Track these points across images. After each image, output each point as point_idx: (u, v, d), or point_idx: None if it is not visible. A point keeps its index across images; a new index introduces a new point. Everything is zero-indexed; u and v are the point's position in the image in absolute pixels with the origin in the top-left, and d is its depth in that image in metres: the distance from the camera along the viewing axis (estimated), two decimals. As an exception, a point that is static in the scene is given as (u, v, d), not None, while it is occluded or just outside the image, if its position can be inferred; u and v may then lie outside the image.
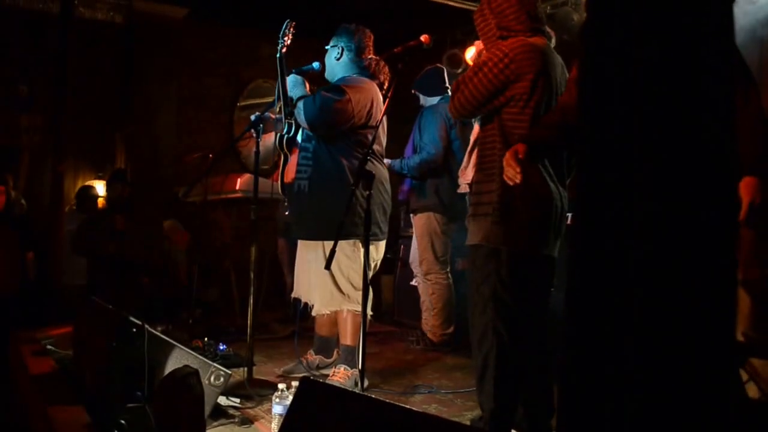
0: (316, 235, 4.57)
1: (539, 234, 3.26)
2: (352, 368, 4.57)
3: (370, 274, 4.01)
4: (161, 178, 8.33)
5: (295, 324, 6.21)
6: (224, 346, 5.03)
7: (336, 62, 4.75)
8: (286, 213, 4.89)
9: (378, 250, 4.74)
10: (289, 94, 4.62)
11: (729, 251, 1.58)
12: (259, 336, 5.41)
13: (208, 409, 3.58)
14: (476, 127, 3.57)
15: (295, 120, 4.64)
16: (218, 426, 3.73)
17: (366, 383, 4.04)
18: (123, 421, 3.39)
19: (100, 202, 8.18)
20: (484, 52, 3.44)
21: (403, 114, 6.53)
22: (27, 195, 7.49)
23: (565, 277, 1.67)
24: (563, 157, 3.41)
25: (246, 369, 4.46)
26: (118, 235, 7.01)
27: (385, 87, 4.69)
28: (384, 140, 4.82)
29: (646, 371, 1.51)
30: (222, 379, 3.69)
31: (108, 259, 6.87)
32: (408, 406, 2.44)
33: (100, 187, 8.14)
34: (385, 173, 4.78)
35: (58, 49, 7.07)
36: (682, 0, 1.54)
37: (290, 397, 3.44)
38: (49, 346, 4.93)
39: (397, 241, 7.50)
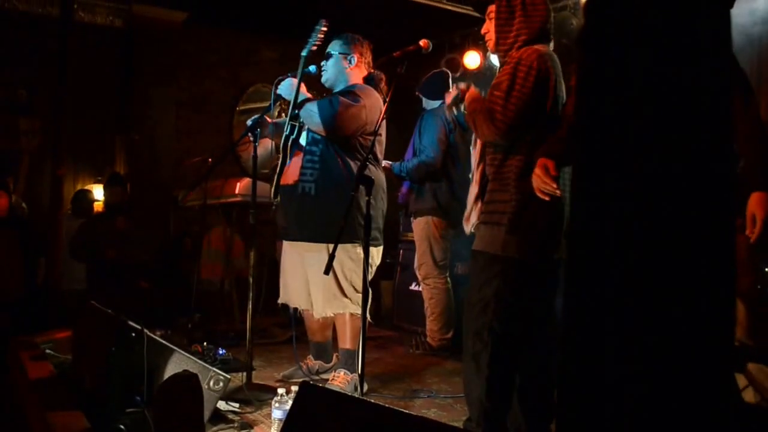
0: (323, 237, 4.50)
1: (551, 241, 3.29)
2: (351, 372, 4.56)
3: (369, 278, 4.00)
4: (160, 182, 8.34)
5: (293, 329, 6.22)
6: (223, 351, 5.02)
7: (346, 69, 4.75)
8: (276, 215, 4.89)
9: (378, 255, 4.73)
10: (289, 96, 4.60)
11: (727, 257, 1.58)
12: (258, 340, 5.41)
13: (207, 414, 3.58)
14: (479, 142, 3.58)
15: (300, 122, 4.64)
16: (218, 431, 3.73)
17: (365, 388, 4.03)
18: (122, 426, 3.39)
19: (97, 206, 8.18)
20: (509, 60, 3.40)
21: (402, 118, 6.54)
22: (26, 198, 7.48)
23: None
24: None
25: (245, 374, 4.45)
26: (117, 238, 7.02)
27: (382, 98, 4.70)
28: (383, 145, 4.82)
29: (645, 374, 1.51)
30: (221, 384, 3.69)
31: (107, 264, 6.87)
32: (407, 411, 2.44)
33: (98, 191, 8.14)
34: (384, 179, 4.78)
35: (57, 52, 7.07)
36: (679, 6, 1.54)
37: (290, 402, 3.44)
38: (48, 351, 4.92)
39: (397, 246, 7.50)
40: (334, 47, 4.80)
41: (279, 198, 4.69)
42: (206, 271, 7.12)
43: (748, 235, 2.89)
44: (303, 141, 4.68)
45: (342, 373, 4.60)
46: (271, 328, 6.66)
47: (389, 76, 4.76)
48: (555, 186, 3.02)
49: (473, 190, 3.57)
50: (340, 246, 4.39)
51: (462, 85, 3.60)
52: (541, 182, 3.05)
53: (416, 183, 6.09)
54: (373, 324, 5.62)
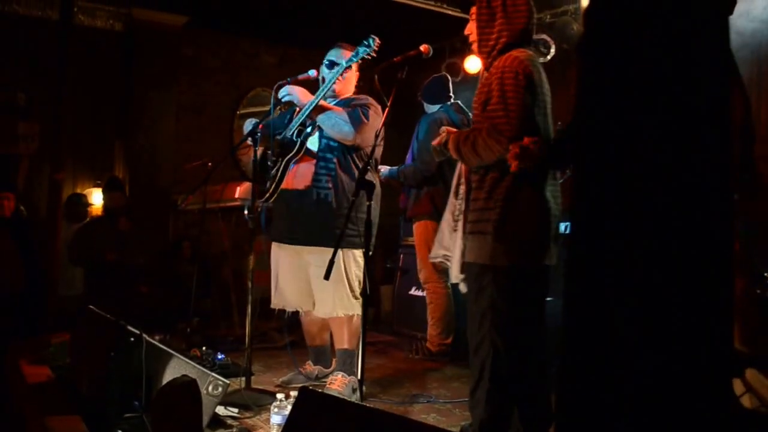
0: (342, 243, 4.53)
1: (539, 247, 3.27)
2: (349, 375, 4.58)
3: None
4: (160, 186, 8.34)
5: (293, 333, 6.21)
6: (222, 356, 5.02)
7: (346, 78, 4.79)
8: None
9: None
10: (300, 102, 4.61)
11: (726, 260, 1.58)
12: (257, 345, 5.39)
13: (206, 419, 3.57)
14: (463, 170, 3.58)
15: (311, 128, 4.65)
16: (216, 436, 3.72)
17: (364, 392, 4.02)
18: (120, 431, 3.38)
19: (95, 210, 8.17)
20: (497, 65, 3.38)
21: (403, 123, 6.54)
22: (24, 203, 7.47)
23: (561, 283, 1.66)
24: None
25: (244, 379, 4.44)
26: (116, 242, 7.01)
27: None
28: (380, 151, 4.83)
29: (644, 377, 1.51)
30: (220, 389, 3.68)
31: (106, 268, 6.87)
32: (406, 416, 2.44)
33: (97, 195, 8.13)
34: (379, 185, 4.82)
35: (57, 56, 7.07)
36: (679, 15, 1.54)
37: (289, 407, 3.44)
38: (46, 356, 4.91)
39: (397, 250, 7.49)
40: (328, 56, 4.82)
41: (269, 202, 4.74)
42: (259, 278, 7.16)
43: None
44: (313, 147, 4.68)
45: (340, 376, 4.60)
46: (271, 333, 6.64)
47: (390, 81, 4.77)
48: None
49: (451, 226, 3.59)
50: (348, 250, 4.53)
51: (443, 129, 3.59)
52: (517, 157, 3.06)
53: (413, 187, 6.09)
54: (370, 327, 5.59)
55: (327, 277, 3.41)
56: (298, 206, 4.63)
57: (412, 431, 2.31)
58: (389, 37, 4.61)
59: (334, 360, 4.98)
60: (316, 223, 4.58)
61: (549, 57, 7.54)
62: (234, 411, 4.05)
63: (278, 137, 4.72)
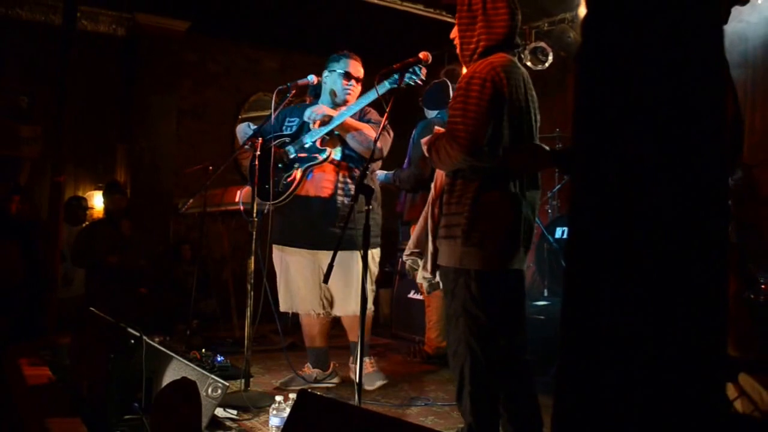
0: (360, 246, 4.63)
1: (508, 252, 3.25)
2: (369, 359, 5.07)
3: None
4: (161, 190, 8.36)
5: (292, 335, 6.25)
6: (222, 358, 5.05)
7: (349, 89, 4.88)
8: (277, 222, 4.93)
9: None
10: (323, 116, 4.68)
11: (722, 265, 1.61)
12: (256, 347, 5.42)
13: (205, 421, 3.59)
14: (439, 174, 3.58)
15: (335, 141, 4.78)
16: (215, 438, 3.75)
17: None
18: (120, 433, 3.41)
19: (97, 213, 8.20)
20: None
21: (401, 129, 6.57)
22: (28, 205, 7.50)
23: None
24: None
25: (243, 381, 4.47)
26: (118, 244, 7.04)
27: None
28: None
29: (639, 381, 1.54)
30: (219, 391, 3.70)
31: (107, 270, 6.89)
32: (404, 419, 2.46)
33: (98, 198, 8.16)
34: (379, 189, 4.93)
35: (60, 60, 7.09)
36: (675, 24, 1.57)
37: (287, 410, 3.46)
38: (46, 357, 4.94)
39: (396, 254, 7.51)
40: (340, 66, 4.88)
41: (275, 206, 4.81)
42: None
43: None
44: (336, 156, 4.75)
45: (367, 360, 5.00)
46: (270, 335, 6.67)
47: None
48: None
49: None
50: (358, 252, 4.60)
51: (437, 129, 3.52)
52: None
53: (408, 192, 6.12)
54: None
55: (326, 280, 3.44)
56: (320, 212, 4.72)
57: (409, 433, 2.33)
58: (388, 44, 4.65)
59: (332, 363, 5.03)
60: (335, 229, 4.68)
61: (547, 64, 7.60)
62: (233, 413, 4.07)
63: (302, 144, 4.77)
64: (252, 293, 4.54)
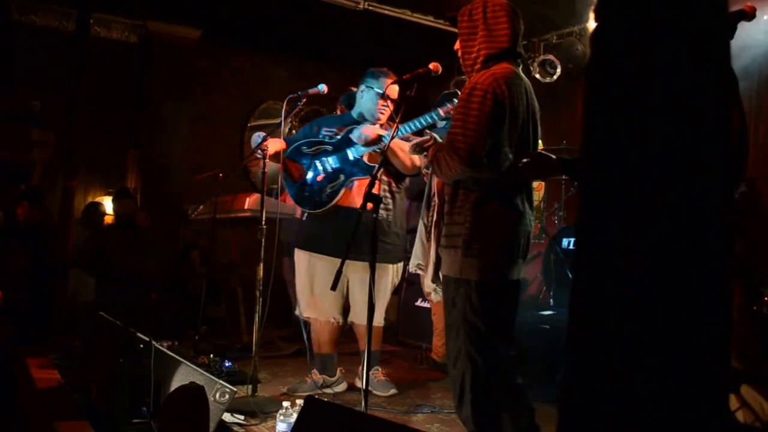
0: (394, 259, 4.98)
1: (507, 263, 3.29)
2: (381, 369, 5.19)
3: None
4: (171, 196, 8.40)
5: (299, 342, 6.27)
6: (229, 363, 5.07)
7: (378, 107, 4.93)
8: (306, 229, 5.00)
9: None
10: (368, 138, 4.77)
11: (725, 275, 1.64)
12: (264, 353, 5.44)
13: (212, 426, 3.60)
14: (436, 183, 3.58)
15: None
16: (223, 443, 3.77)
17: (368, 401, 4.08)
18: (128, 436, 3.43)
19: (108, 218, 8.24)
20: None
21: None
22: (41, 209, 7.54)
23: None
24: None
25: (251, 386, 4.50)
26: (127, 249, 7.07)
27: None
28: None
29: (646, 392, 1.56)
30: (227, 396, 3.72)
31: (116, 275, 6.92)
32: (410, 426, 2.49)
33: (109, 204, 8.20)
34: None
35: (73, 66, 7.15)
36: (682, 39, 1.60)
37: (294, 415, 3.48)
38: (55, 361, 4.96)
39: (403, 262, 7.53)
40: (378, 85, 4.91)
41: (307, 214, 4.94)
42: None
43: None
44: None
45: (380, 370, 5.14)
46: (278, 342, 6.70)
47: (399, 98, 4.86)
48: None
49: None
50: (396, 264, 4.97)
51: (428, 135, 3.54)
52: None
53: (412, 200, 6.16)
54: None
55: (334, 287, 3.47)
56: (353, 223, 4.73)
57: (414, 439, 2.35)
58: (399, 55, 4.68)
59: (338, 369, 5.06)
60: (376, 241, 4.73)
61: (555, 77, 7.63)
62: (240, 418, 4.09)
63: (347, 156, 4.84)
64: (261, 299, 4.57)
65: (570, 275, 6.23)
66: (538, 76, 7.62)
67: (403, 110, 3.91)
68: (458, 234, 3.28)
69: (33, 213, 6.88)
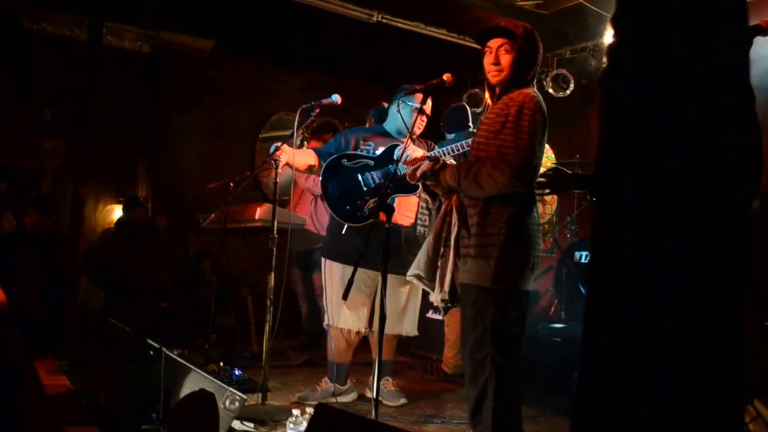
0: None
1: (529, 273, 3.48)
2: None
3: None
4: (182, 205, 8.41)
5: (309, 352, 6.28)
6: (239, 372, 5.06)
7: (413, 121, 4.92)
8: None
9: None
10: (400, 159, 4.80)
11: (742, 287, 1.62)
12: (273, 362, 5.44)
13: (222, 433, 3.61)
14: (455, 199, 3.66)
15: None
16: (232, 450, 3.76)
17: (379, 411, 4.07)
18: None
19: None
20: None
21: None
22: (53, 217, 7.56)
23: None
24: None
25: (260, 394, 4.49)
26: (136, 258, 7.08)
27: None
28: None
29: (661, 402, 1.55)
30: (237, 404, 3.72)
31: (125, 283, 6.92)
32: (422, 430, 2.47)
33: (119, 212, 8.21)
34: None
35: (84, 75, 7.17)
36: (700, 50, 1.59)
37: (304, 423, 3.48)
38: (64, 368, 4.96)
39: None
40: (412, 99, 4.92)
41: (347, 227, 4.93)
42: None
43: None
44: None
45: (390, 381, 5.17)
46: (288, 351, 6.70)
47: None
48: None
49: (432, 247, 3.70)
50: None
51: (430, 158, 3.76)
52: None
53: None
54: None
55: (345, 297, 3.49)
56: (395, 239, 4.81)
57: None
58: (412, 68, 4.68)
59: (350, 379, 5.08)
60: (412, 255, 4.76)
61: (568, 91, 7.65)
62: (250, 426, 4.09)
63: (389, 172, 4.83)
64: (272, 308, 4.57)
65: (582, 289, 6.23)
66: (551, 90, 7.63)
67: (416, 120, 3.92)
68: (492, 245, 3.39)
69: (42, 221, 6.89)
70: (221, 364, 5.15)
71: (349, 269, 4.89)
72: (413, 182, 3.90)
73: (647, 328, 1.57)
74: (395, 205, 4.81)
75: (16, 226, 6.75)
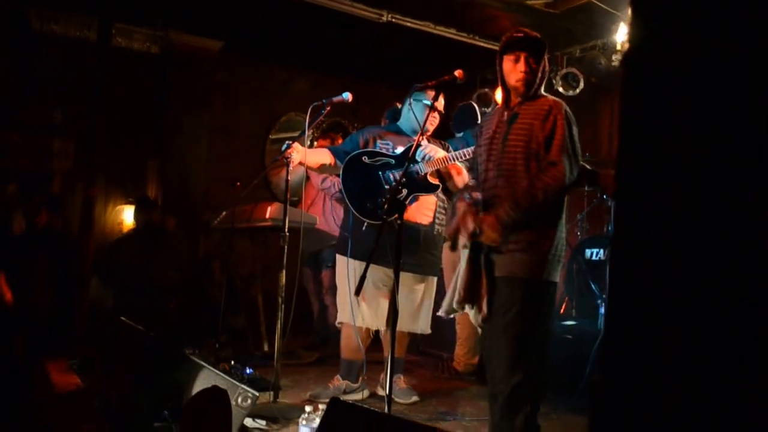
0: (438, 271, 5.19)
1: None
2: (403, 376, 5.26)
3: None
4: (191, 206, 8.41)
5: (320, 351, 6.28)
6: (250, 370, 5.05)
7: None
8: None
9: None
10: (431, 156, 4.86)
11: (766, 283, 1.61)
12: (284, 361, 5.44)
13: (234, 430, 3.60)
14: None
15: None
16: (244, 447, 3.76)
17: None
18: (150, 439, 3.42)
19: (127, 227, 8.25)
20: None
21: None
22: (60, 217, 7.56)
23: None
24: None
25: (272, 392, 4.48)
26: (146, 257, 7.08)
27: None
28: None
29: (684, 397, 1.53)
30: (249, 401, 3.72)
31: (134, 283, 6.92)
32: (435, 426, 2.46)
33: (129, 213, 8.22)
34: None
35: (93, 76, 7.16)
36: (725, 51, 1.57)
37: (317, 420, 3.47)
38: (74, 367, 4.97)
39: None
40: (424, 96, 4.98)
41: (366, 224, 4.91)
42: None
43: None
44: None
45: (402, 378, 5.18)
46: (298, 350, 6.69)
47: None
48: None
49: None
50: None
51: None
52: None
53: None
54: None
55: (357, 293, 3.47)
56: (414, 237, 4.86)
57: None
58: (421, 67, 4.68)
59: (360, 377, 5.08)
60: (429, 254, 5.00)
61: (578, 90, 7.64)
62: (262, 423, 4.09)
63: (410, 171, 4.85)
64: (283, 306, 4.56)
65: (593, 286, 6.21)
66: (560, 89, 7.63)
67: (428, 116, 3.92)
68: (544, 237, 3.50)
69: (52, 221, 6.91)
70: (232, 362, 5.14)
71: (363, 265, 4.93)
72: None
73: (670, 323, 1.56)
74: (414, 204, 4.84)
75: (26, 227, 6.76)
